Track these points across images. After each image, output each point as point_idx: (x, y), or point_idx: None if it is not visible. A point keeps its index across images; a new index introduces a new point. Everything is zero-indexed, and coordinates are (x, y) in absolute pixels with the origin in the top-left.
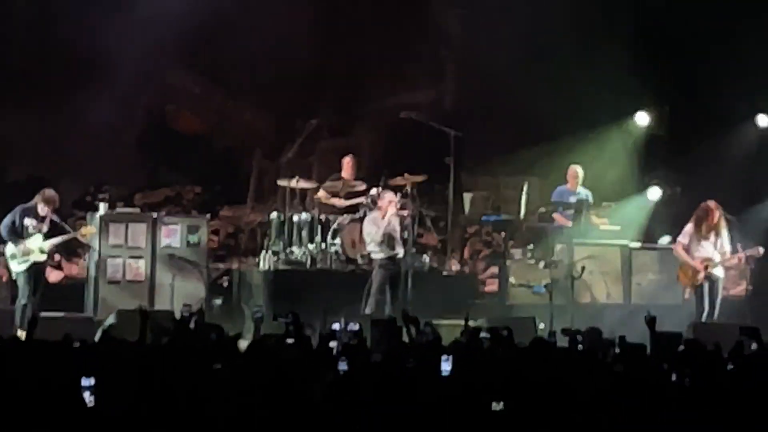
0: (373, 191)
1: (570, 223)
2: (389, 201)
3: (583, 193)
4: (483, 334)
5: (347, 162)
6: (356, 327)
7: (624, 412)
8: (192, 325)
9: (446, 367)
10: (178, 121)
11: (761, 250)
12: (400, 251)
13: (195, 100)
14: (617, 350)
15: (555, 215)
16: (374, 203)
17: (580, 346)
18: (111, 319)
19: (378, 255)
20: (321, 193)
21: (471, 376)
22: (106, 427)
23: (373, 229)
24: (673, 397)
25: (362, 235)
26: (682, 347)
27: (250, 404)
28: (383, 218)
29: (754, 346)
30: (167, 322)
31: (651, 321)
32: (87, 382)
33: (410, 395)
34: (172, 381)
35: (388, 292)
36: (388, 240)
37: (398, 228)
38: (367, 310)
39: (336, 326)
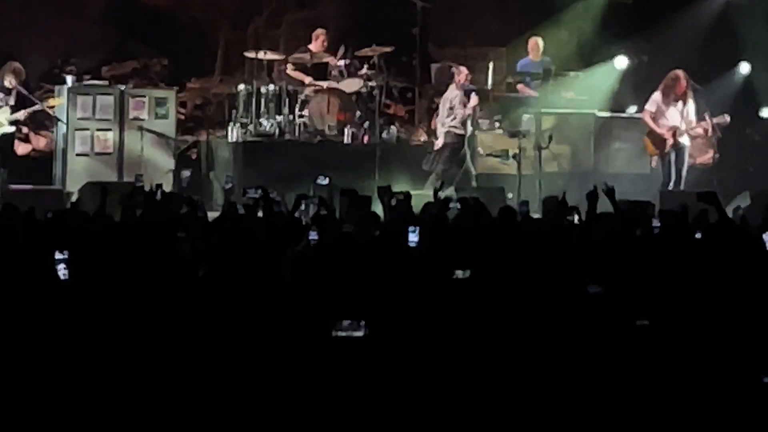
0: (340, 62)
1: (536, 93)
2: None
3: (546, 62)
4: (452, 204)
5: (317, 35)
6: (326, 181)
7: (591, 277)
8: (158, 196)
9: (413, 237)
10: None
11: (728, 117)
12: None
13: None
14: (580, 218)
15: (519, 86)
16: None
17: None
18: (78, 193)
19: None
20: (289, 66)
21: (437, 246)
22: (79, 299)
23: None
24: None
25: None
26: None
27: (219, 273)
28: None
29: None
30: (138, 195)
31: (609, 192)
32: (60, 255)
33: (377, 265)
34: (141, 252)
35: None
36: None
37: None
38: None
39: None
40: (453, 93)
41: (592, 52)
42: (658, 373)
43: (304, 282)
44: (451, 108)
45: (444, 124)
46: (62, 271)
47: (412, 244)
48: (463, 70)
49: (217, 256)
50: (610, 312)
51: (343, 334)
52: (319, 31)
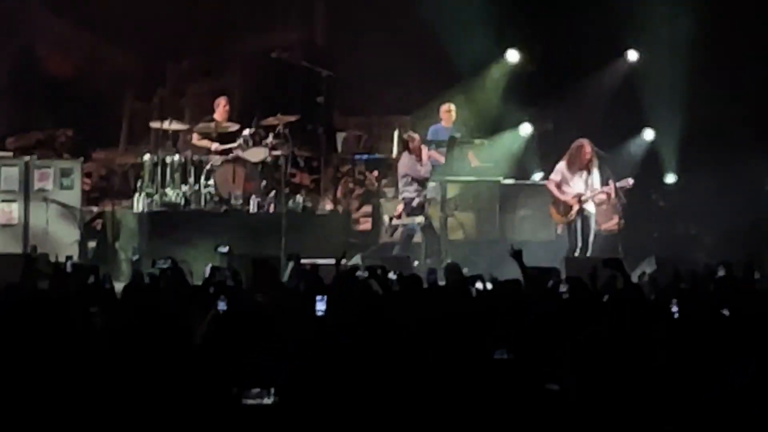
0: (246, 132)
1: (443, 160)
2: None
3: (456, 130)
4: (359, 273)
5: (220, 104)
6: (226, 249)
7: (498, 342)
8: (69, 268)
9: (321, 306)
10: (48, 64)
11: (631, 181)
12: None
13: (64, 42)
14: (484, 285)
15: (430, 153)
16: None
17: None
18: None
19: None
20: (194, 136)
21: (344, 315)
22: None
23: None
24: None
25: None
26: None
27: (130, 346)
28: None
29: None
30: (45, 266)
31: (517, 254)
32: None
33: (287, 334)
34: (52, 325)
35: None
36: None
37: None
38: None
39: (208, 269)
40: (408, 161)
41: (498, 120)
42: None
43: (213, 351)
44: (407, 176)
45: (404, 193)
46: None
47: (319, 313)
48: (416, 136)
49: (126, 328)
50: (518, 377)
51: (253, 401)
52: (221, 99)
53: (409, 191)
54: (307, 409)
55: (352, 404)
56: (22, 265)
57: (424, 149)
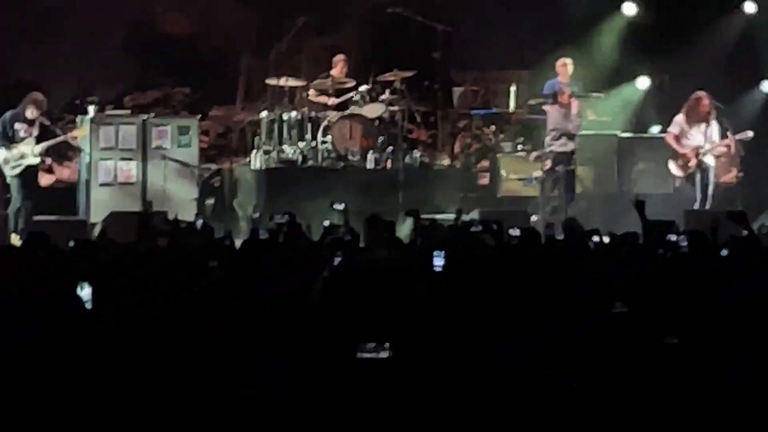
0: (362, 88)
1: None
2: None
3: (573, 84)
4: (474, 228)
5: (338, 61)
6: (342, 206)
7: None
8: (200, 227)
9: (438, 262)
10: (165, 23)
11: (750, 133)
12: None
13: (181, 0)
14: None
15: (545, 107)
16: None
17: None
18: (104, 222)
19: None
20: (311, 92)
21: (461, 269)
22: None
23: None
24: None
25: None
26: (674, 236)
27: (247, 302)
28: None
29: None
30: (163, 224)
31: (639, 204)
32: (84, 286)
33: (403, 290)
34: (170, 282)
35: None
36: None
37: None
38: None
39: (326, 223)
40: (557, 115)
41: (614, 73)
42: (688, 391)
43: (330, 306)
44: (556, 130)
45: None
46: (87, 301)
47: (437, 269)
48: (567, 89)
49: (246, 283)
50: (636, 330)
51: (368, 356)
52: (340, 56)
53: (555, 145)
54: (422, 364)
55: (467, 359)
56: (136, 223)
57: (574, 103)
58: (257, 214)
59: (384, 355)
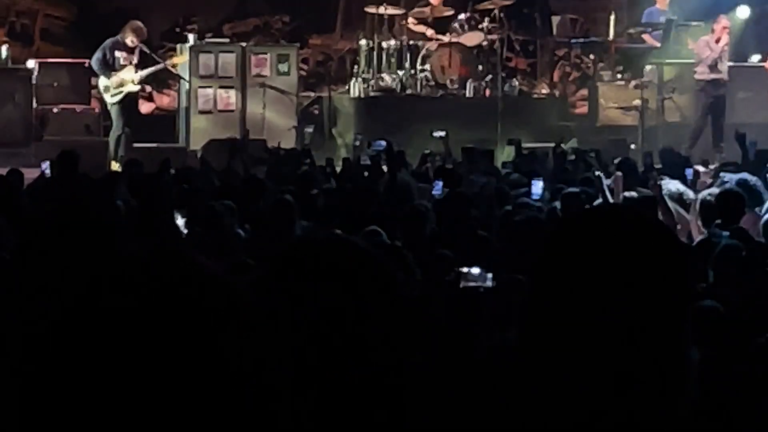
0: (461, 16)
1: (659, 44)
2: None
3: (672, 12)
4: (570, 157)
5: None
6: (442, 133)
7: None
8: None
9: (536, 189)
10: None
11: None
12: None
13: None
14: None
15: (644, 36)
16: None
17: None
18: (203, 149)
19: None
20: (410, 20)
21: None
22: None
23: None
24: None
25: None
26: None
27: (347, 228)
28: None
29: None
30: (260, 152)
31: (740, 136)
32: (180, 213)
33: (503, 218)
34: (265, 209)
35: None
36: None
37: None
38: None
39: (426, 150)
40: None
41: (714, 2)
42: None
43: (444, 230)
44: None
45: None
46: (182, 226)
47: (535, 196)
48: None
49: (346, 211)
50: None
51: (472, 284)
52: None
53: (704, 73)
54: (522, 294)
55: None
56: (227, 151)
57: (725, 33)
58: (358, 142)
59: (488, 284)
